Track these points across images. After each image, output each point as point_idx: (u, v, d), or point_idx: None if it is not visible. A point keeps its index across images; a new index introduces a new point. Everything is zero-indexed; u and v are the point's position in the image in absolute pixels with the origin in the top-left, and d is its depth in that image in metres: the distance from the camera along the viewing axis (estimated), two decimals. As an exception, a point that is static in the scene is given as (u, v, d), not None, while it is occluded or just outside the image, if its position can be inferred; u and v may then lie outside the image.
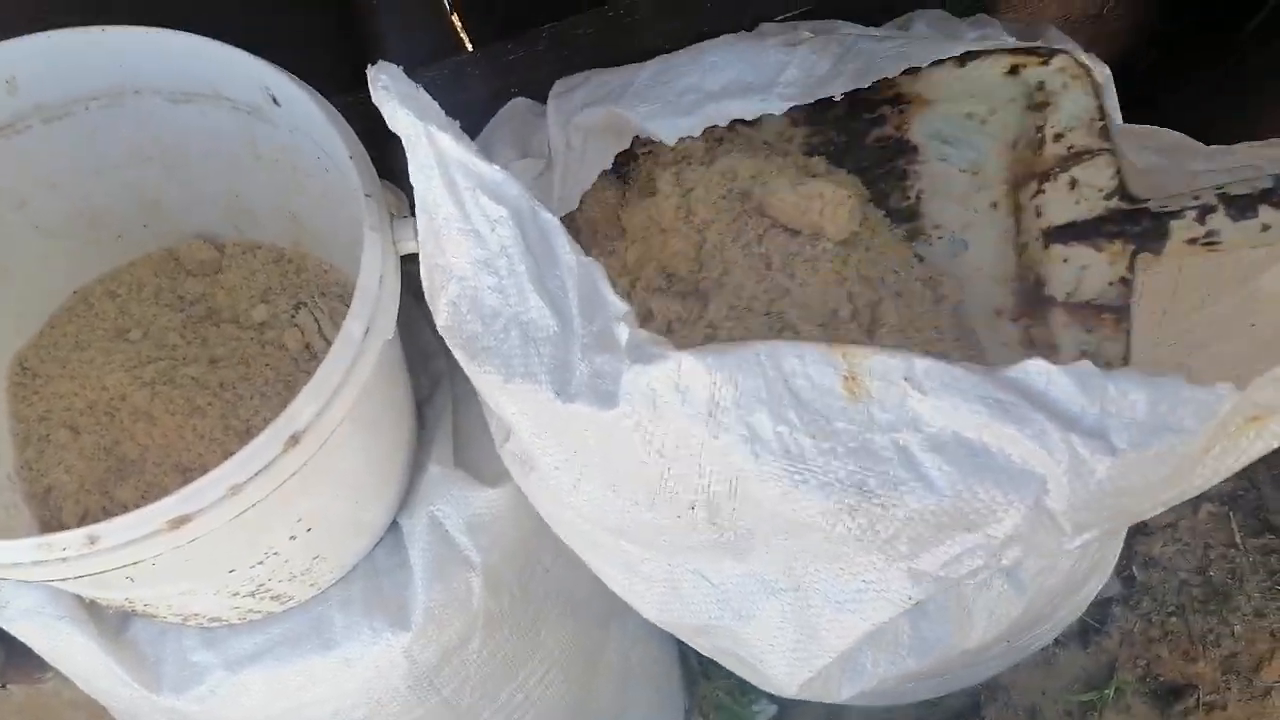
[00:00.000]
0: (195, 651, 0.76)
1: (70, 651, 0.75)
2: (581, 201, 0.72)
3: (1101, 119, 0.67)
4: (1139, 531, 1.33)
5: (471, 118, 0.82)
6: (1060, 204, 0.68)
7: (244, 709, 0.76)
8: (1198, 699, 1.26)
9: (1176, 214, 0.60)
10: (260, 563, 0.67)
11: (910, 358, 0.49)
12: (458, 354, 0.60)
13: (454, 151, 0.54)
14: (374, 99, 0.53)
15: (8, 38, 0.66)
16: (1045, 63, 0.68)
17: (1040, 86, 0.69)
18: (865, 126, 0.73)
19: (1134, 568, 1.33)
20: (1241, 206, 0.57)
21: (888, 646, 0.66)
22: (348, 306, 0.58)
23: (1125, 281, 0.64)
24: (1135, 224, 0.64)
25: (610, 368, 0.54)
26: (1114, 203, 0.65)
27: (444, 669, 0.81)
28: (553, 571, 0.90)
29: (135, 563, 0.55)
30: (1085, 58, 0.67)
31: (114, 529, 0.53)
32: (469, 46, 0.86)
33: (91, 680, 0.78)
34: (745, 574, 0.62)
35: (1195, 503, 1.35)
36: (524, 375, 0.56)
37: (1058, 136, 0.69)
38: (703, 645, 0.72)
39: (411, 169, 0.55)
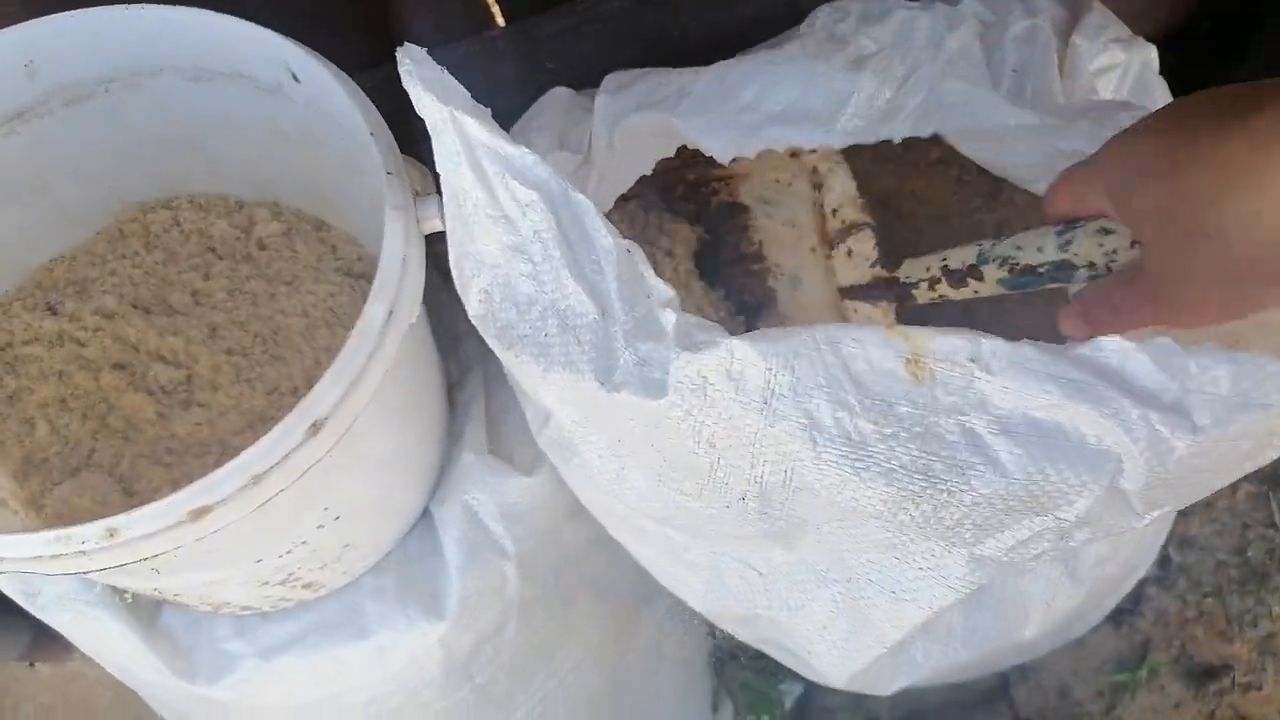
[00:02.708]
0: (228, 640, 0.75)
1: (103, 639, 0.75)
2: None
3: (862, 196, 0.81)
4: (1176, 512, 1.31)
5: (503, 95, 0.80)
6: (844, 268, 0.80)
7: (278, 697, 0.76)
8: (1233, 679, 1.25)
9: (915, 285, 0.70)
10: (289, 552, 0.66)
11: (977, 337, 0.47)
12: (492, 343, 0.58)
13: (480, 135, 0.52)
14: (403, 82, 0.51)
15: (24, 19, 0.64)
16: (813, 151, 0.82)
17: (814, 170, 0.83)
18: (708, 195, 0.87)
19: (1170, 548, 1.31)
20: (957, 278, 0.65)
21: (940, 638, 0.64)
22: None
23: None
24: (890, 290, 0.75)
25: (657, 355, 0.52)
26: (876, 270, 0.78)
27: (478, 657, 0.80)
28: (587, 558, 0.89)
29: (157, 555, 0.53)
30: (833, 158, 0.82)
31: (133, 520, 0.51)
32: (501, 21, 0.83)
33: (124, 667, 0.77)
34: (795, 563, 0.60)
35: (1234, 483, 1.33)
36: (564, 364, 0.54)
37: (834, 211, 0.82)
38: (746, 635, 0.70)
39: (437, 155, 0.53)
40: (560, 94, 0.73)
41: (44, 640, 1.28)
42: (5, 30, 0.64)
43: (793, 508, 0.55)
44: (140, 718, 1.40)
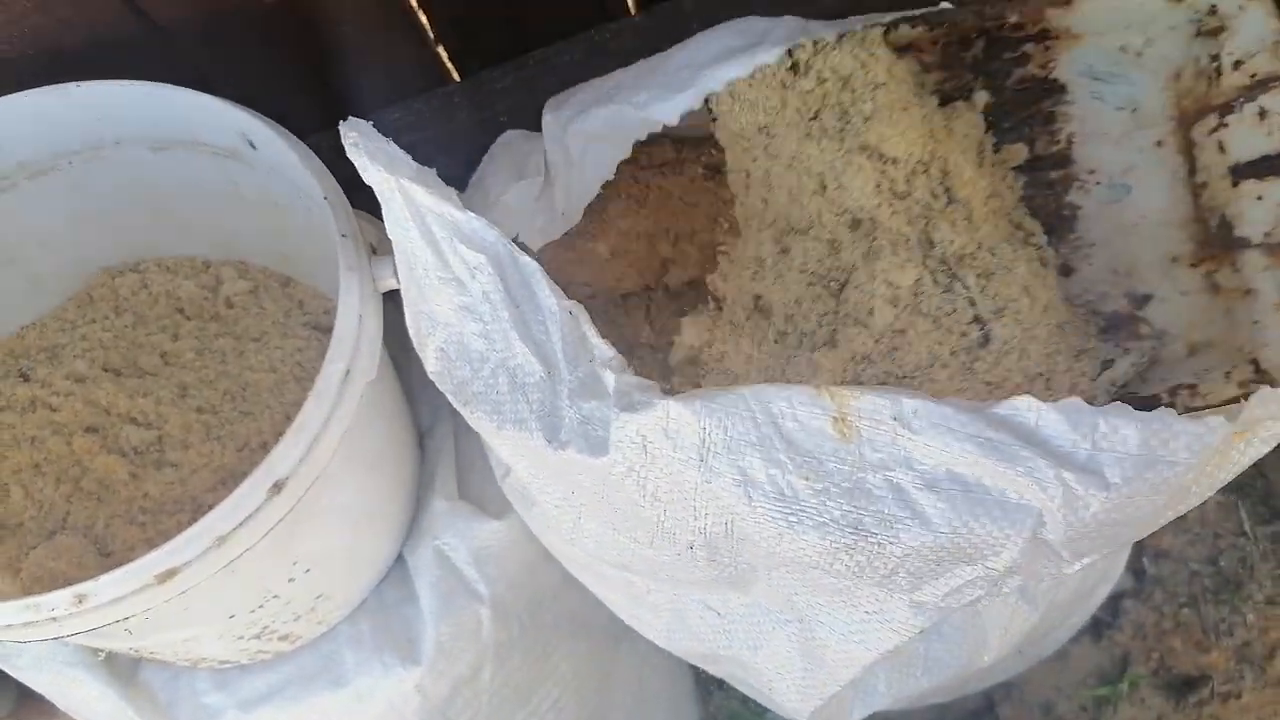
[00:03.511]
0: (208, 694, 0.76)
1: (84, 698, 0.76)
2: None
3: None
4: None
5: (461, 147, 0.82)
6: (1249, 137, 0.63)
7: (258, 749, 0.77)
8: (1212, 689, 1.26)
9: None
10: (261, 606, 0.67)
11: (898, 397, 0.48)
12: (450, 398, 0.60)
13: (428, 202, 0.54)
14: (347, 153, 0.53)
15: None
16: None
17: (1212, 10, 0.64)
18: (1006, 68, 0.68)
19: (1144, 560, 1.33)
20: None
21: (900, 668, 0.66)
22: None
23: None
24: None
25: (599, 414, 0.54)
26: None
27: (455, 701, 0.81)
28: (561, 597, 0.90)
29: (128, 617, 0.55)
30: None
31: (101, 586, 0.53)
32: (456, 76, 0.86)
33: (106, 726, 0.78)
34: (750, 605, 0.62)
35: (1202, 493, 1.34)
36: (514, 422, 0.56)
37: (1237, 64, 0.63)
38: (713, 670, 0.72)
39: (387, 221, 0.55)
40: (513, 135, 0.76)
41: (29, 699, 1.27)
42: (-34, 112, 0.66)
43: (739, 555, 0.57)
44: (129, 773, 1.38)
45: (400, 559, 0.81)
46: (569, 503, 0.60)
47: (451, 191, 0.55)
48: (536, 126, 0.79)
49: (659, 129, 0.66)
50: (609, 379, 0.53)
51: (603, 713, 1.02)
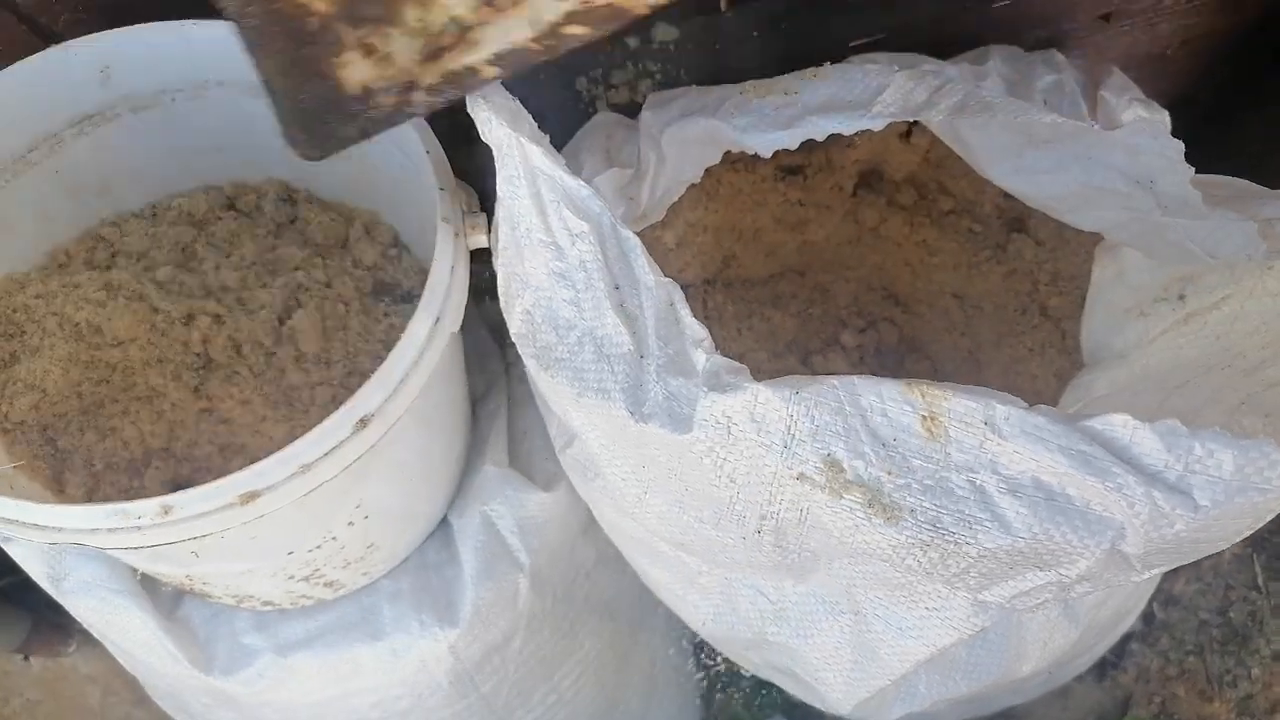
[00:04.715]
0: (246, 634, 0.77)
1: (124, 626, 0.76)
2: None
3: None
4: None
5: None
6: None
7: (290, 693, 0.78)
8: (1211, 739, 1.26)
9: None
10: (318, 546, 0.69)
11: (991, 401, 0.50)
12: (529, 363, 0.61)
13: (543, 164, 0.55)
14: (469, 107, 0.54)
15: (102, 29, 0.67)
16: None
17: None
18: None
19: (1155, 605, 1.34)
20: None
21: (942, 670, 0.67)
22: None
23: None
24: None
25: (686, 392, 0.55)
26: None
27: (485, 666, 0.82)
28: (593, 576, 0.91)
29: (204, 535, 0.56)
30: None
31: (188, 499, 0.54)
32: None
33: (141, 656, 0.79)
34: (806, 593, 0.63)
35: (1220, 543, 1.35)
36: (597, 390, 0.57)
37: None
38: (752, 660, 0.72)
39: (500, 178, 0.56)
40: (607, 117, 0.77)
41: (40, 634, 1.29)
42: (85, 39, 0.68)
43: (806, 543, 0.58)
44: (130, 717, 1.39)
45: (445, 522, 0.82)
46: (637, 476, 0.61)
47: (562, 160, 0.56)
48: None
49: (749, 150, 0.68)
50: (700, 358, 0.54)
51: (617, 697, 1.03)
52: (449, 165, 0.64)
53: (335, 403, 0.73)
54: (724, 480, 0.56)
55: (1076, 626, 0.67)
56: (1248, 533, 0.54)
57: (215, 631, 0.77)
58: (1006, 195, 0.81)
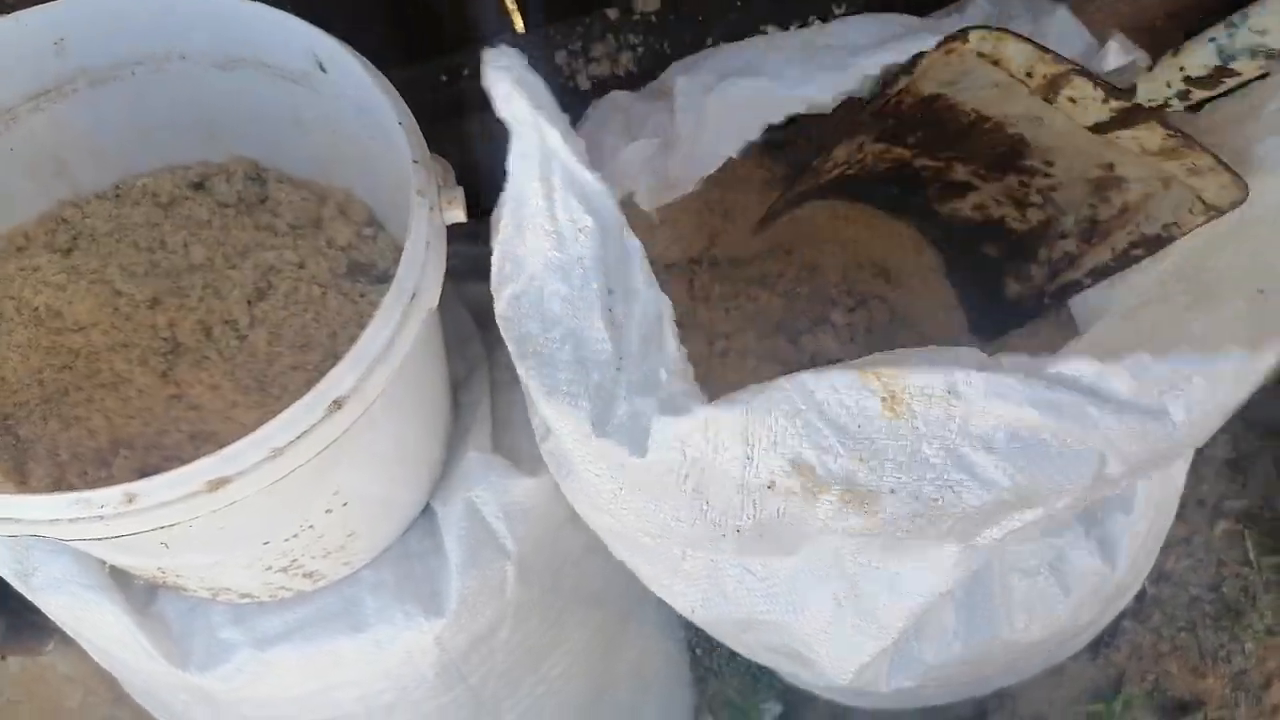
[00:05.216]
0: (223, 628, 0.74)
1: (96, 623, 0.74)
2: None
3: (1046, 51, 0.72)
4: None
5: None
6: (1080, 113, 0.74)
7: (270, 689, 0.75)
8: (1205, 715, 1.26)
9: (1164, 104, 0.67)
10: (295, 535, 0.66)
11: (952, 369, 0.49)
12: (510, 347, 0.59)
13: (560, 149, 0.53)
14: (487, 79, 0.52)
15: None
16: (951, 49, 0.71)
17: (979, 55, 0.73)
18: (895, 105, 0.77)
19: (1146, 582, 1.33)
20: (1207, 82, 0.64)
21: (935, 636, 0.65)
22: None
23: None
24: (1141, 114, 0.70)
25: (645, 413, 0.54)
26: (1113, 104, 0.71)
27: (472, 656, 0.80)
28: (581, 564, 0.89)
29: (172, 524, 0.53)
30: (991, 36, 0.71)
31: (153, 487, 0.51)
32: (520, 27, 0.85)
33: (115, 653, 0.77)
34: (793, 567, 0.62)
35: (1211, 519, 1.35)
36: (567, 394, 0.56)
37: (1028, 74, 0.73)
38: (746, 642, 0.71)
39: (512, 155, 0.54)
40: (620, 96, 0.74)
41: (17, 633, 1.26)
42: (37, 8, 0.65)
43: (788, 532, 0.56)
44: (111, 717, 1.37)
45: (428, 510, 0.80)
46: (610, 476, 0.59)
47: (581, 145, 0.54)
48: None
49: (801, 109, 0.65)
50: (662, 378, 0.53)
51: (606, 687, 1.01)
52: (423, 137, 0.62)
53: (310, 387, 0.71)
54: (689, 492, 0.55)
55: (1068, 593, 0.66)
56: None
57: (191, 626, 0.75)
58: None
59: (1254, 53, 0.58)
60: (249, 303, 0.69)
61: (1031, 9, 0.73)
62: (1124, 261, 0.72)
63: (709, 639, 1.32)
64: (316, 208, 0.75)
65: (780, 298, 0.98)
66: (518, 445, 0.81)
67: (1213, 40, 0.60)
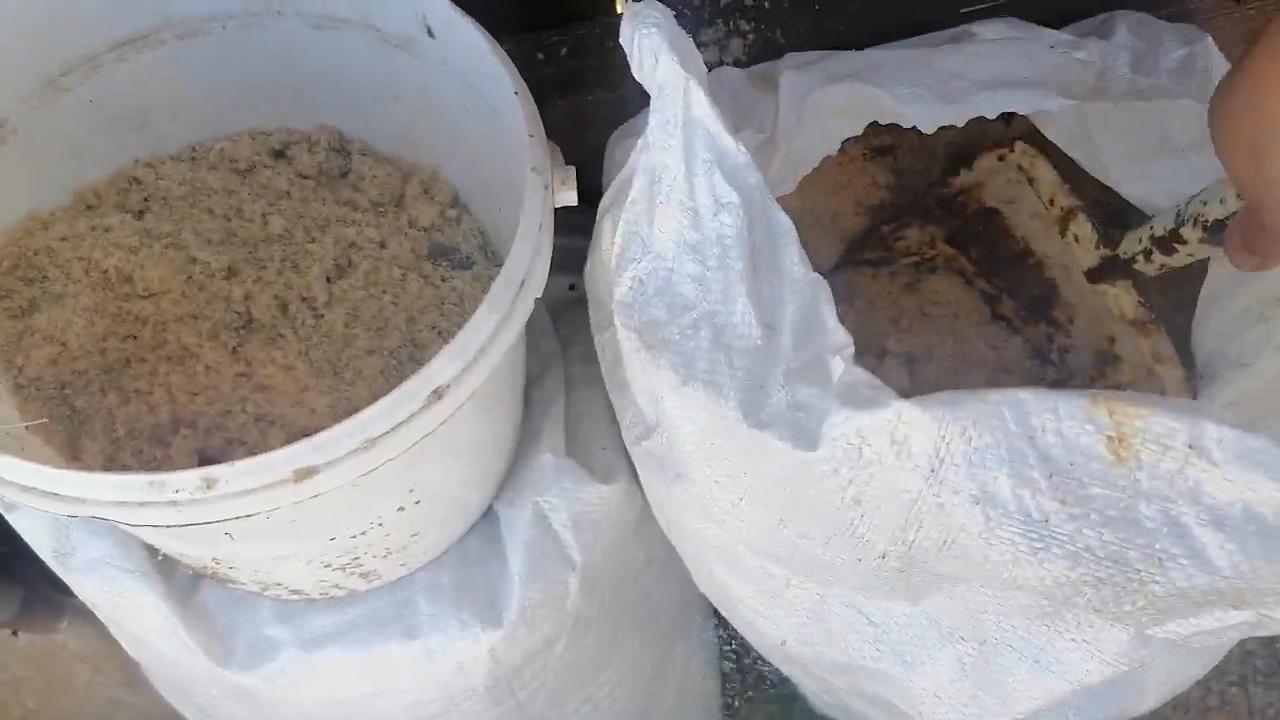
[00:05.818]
0: (269, 625, 0.70)
1: (133, 610, 0.69)
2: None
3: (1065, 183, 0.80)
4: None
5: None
6: (1077, 254, 0.80)
7: (315, 691, 0.71)
8: (1250, 773, 1.21)
9: (1134, 258, 0.70)
10: (363, 533, 0.62)
11: (1200, 420, 0.42)
12: (627, 335, 0.54)
13: (706, 118, 0.48)
14: (630, 36, 0.47)
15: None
16: (1009, 150, 0.81)
17: (1019, 168, 0.83)
18: (961, 206, 0.84)
19: (1199, 634, 1.28)
20: (1165, 245, 0.65)
21: (1053, 709, 0.60)
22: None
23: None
24: (1119, 268, 0.76)
25: (816, 404, 0.48)
26: (1101, 250, 0.77)
27: (524, 672, 0.76)
28: (640, 579, 0.84)
29: (248, 515, 0.49)
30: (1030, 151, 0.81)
31: (235, 472, 0.46)
32: (621, 9, 0.80)
33: (150, 643, 0.72)
34: (915, 616, 0.56)
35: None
36: (707, 383, 0.50)
37: (1050, 201, 0.81)
38: (837, 684, 0.65)
39: (653, 121, 0.49)
40: (731, 73, 0.69)
41: (32, 609, 1.22)
42: (129, -49, 0.60)
43: (938, 568, 0.51)
44: (118, 699, 1.33)
45: (490, 513, 0.75)
46: (734, 482, 0.53)
47: (727, 116, 0.49)
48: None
49: (903, 123, 0.61)
50: (838, 366, 0.47)
51: (650, 707, 0.96)
52: (537, 109, 0.57)
53: (385, 375, 0.66)
54: (847, 502, 0.49)
55: (1199, 663, 0.61)
56: None
57: (235, 621, 0.70)
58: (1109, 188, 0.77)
59: (1195, 221, 0.60)
60: (328, 280, 0.64)
61: (1182, 37, 0.68)
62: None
63: (742, 662, 1.27)
64: (400, 184, 0.71)
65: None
66: (590, 449, 0.76)
67: (1177, 204, 0.63)
